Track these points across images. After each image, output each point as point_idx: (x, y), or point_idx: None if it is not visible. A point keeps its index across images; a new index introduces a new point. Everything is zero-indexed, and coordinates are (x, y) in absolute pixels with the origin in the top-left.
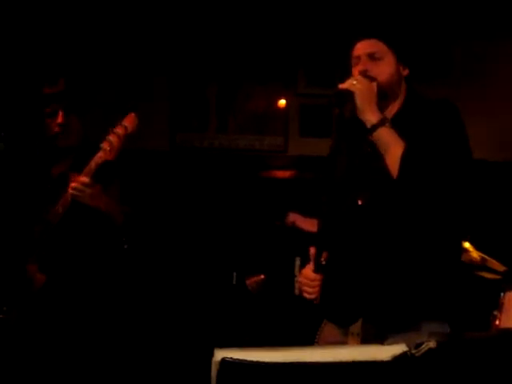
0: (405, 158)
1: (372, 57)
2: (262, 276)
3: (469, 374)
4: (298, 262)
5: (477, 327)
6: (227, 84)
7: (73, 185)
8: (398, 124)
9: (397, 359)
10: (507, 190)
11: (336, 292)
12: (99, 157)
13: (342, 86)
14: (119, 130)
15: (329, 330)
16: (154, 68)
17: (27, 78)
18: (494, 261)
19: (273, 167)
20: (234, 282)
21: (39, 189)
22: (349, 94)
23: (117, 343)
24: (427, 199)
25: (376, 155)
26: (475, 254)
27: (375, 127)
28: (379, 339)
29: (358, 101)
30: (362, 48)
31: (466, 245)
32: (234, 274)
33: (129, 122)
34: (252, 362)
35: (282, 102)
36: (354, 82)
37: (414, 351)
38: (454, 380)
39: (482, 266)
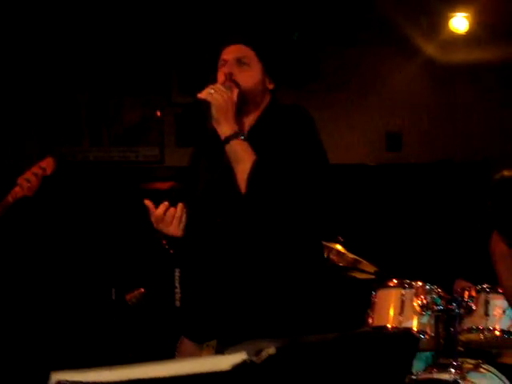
0: (252, 174)
1: (240, 61)
2: (142, 290)
3: (311, 378)
4: (177, 273)
5: (353, 326)
6: (98, 95)
7: None
8: (254, 136)
9: (237, 368)
10: (382, 193)
11: (193, 309)
12: (16, 192)
13: (200, 95)
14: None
15: (186, 343)
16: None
17: None
18: (365, 262)
19: (151, 178)
20: (114, 298)
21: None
22: (206, 104)
23: None
24: (274, 213)
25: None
26: (348, 257)
27: (228, 139)
28: None
29: (214, 111)
30: (230, 52)
31: (338, 247)
32: (113, 289)
33: (46, 163)
34: (88, 382)
35: (157, 113)
36: (212, 92)
37: (253, 359)
38: None
39: (355, 267)
